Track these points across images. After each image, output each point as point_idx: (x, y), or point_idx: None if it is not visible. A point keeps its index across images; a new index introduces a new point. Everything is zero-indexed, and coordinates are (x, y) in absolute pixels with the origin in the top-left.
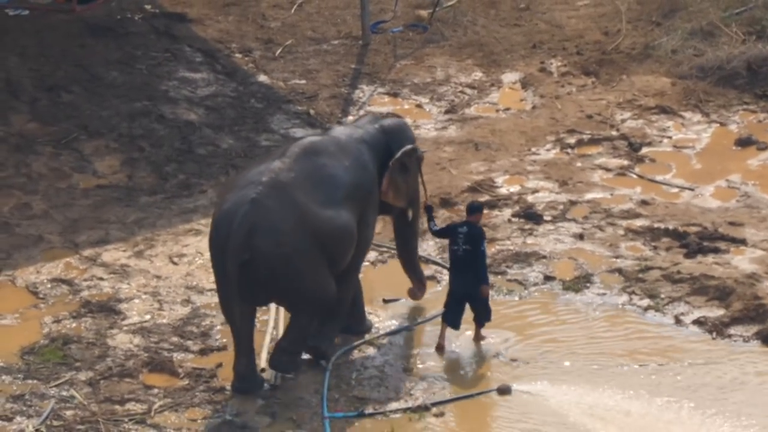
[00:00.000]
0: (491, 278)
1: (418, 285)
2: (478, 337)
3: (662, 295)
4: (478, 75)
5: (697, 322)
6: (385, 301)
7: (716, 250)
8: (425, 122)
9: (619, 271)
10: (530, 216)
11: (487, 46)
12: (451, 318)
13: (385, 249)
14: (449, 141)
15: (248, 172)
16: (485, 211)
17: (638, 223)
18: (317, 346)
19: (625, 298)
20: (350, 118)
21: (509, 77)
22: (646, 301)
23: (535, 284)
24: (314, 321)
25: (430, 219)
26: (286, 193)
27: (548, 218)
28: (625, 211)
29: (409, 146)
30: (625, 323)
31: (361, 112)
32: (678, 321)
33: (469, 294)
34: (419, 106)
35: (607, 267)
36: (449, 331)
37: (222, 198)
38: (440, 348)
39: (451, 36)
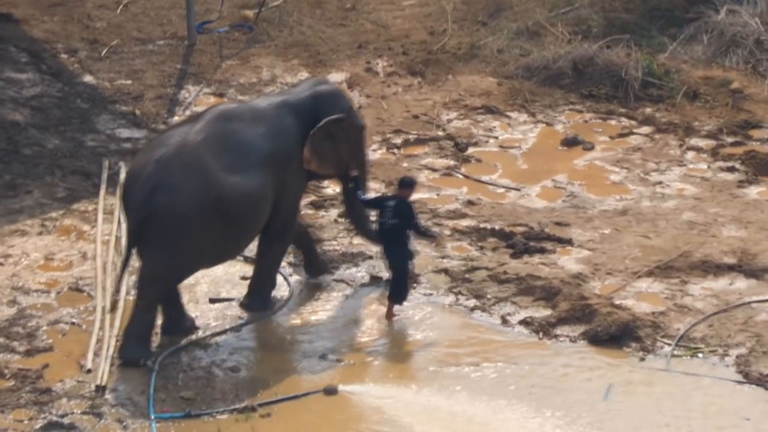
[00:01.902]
0: None
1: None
2: (389, 314)
3: (489, 296)
4: (303, 75)
5: (524, 322)
6: (212, 301)
7: (542, 251)
8: None
9: (446, 271)
10: None
11: (312, 46)
12: (398, 295)
13: None
14: None
15: (161, 137)
16: (312, 211)
17: (464, 223)
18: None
19: (451, 298)
20: (176, 118)
21: (335, 77)
22: (472, 302)
23: (362, 284)
24: (161, 294)
25: (359, 188)
26: (193, 155)
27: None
28: (452, 212)
29: (334, 116)
30: (452, 323)
31: (187, 113)
32: (504, 321)
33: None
34: None
35: (433, 267)
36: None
37: (134, 161)
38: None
39: (277, 36)
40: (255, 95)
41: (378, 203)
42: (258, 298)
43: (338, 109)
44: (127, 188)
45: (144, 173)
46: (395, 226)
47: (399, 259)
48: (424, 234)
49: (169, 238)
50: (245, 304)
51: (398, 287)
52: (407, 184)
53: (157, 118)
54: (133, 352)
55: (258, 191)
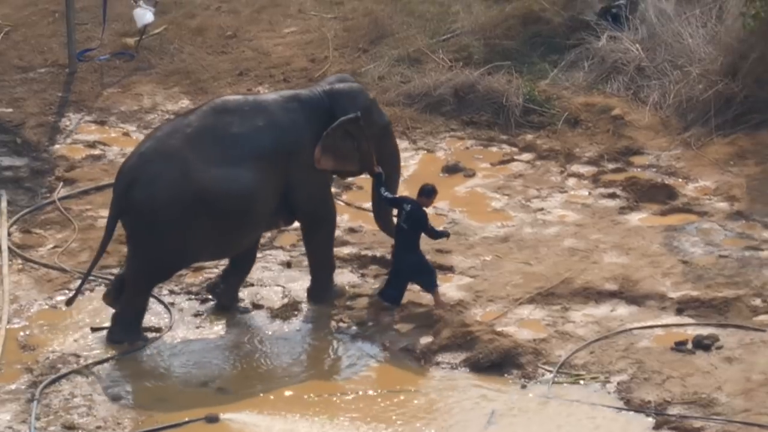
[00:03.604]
0: None
1: None
2: (437, 303)
3: (370, 323)
4: (185, 102)
5: (405, 349)
6: (93, 330)
7: None
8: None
9: None
10: None
11: (194, 73)
12: (387, 293)
13: (92, 278)
14: None
15: (153, 130)
16: None
17: (346, 250)
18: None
19: (333, 325)
20: (57, 146)
21: None
22: (354, 329)
23: (244, 312)
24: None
25: (380, 185)
26: (175, 148)
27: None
28: (333, 239)
29: (349, 115)
30: (333, 351)
31: (69, 141)
32: (386, 348)
33: (404, 269)
34: (126, 134)
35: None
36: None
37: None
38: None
39: (158, 64)
40: (137, 123)
41: (397, 203)
42: (318, 287)
43: (355, 107)
44: (115, 179)
45: (125, 166)
46: (405, 230)
47: (401, 261)
48: (440, 235)
49: (145, 233)
50: (310, 296)
51: (423, 281)
52: (426, 193)
53: (39, 146)
54: (118, 335)
55: (248, 184)
